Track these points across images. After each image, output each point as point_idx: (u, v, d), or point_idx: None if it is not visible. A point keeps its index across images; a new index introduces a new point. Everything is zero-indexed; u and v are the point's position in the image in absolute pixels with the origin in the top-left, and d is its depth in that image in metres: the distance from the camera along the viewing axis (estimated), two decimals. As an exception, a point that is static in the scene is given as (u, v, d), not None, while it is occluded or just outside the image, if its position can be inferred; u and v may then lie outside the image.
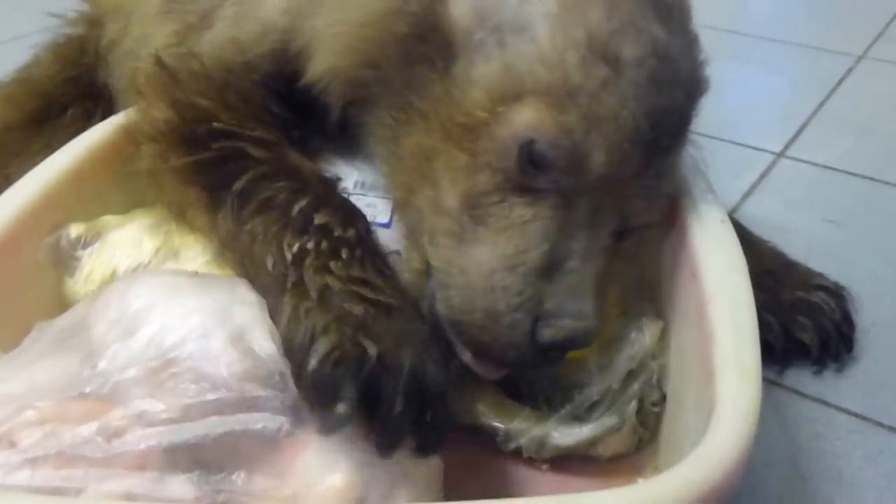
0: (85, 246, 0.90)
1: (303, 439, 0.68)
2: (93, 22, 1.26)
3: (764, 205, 1.37)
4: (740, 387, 0.68)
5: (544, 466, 0.84)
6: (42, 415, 0.65)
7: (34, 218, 0.88)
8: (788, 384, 1.01)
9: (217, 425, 0.65)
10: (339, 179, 0.85)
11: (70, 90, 1.22)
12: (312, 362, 0.66)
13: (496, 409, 0.82)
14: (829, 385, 1.02)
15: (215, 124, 0.84)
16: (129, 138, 0.93)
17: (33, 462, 0.63)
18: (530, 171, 0.74)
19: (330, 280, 0.72)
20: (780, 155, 1.53)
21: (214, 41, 0.92)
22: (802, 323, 1.02)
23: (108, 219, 0.93)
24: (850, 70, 1.87)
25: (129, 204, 0.96)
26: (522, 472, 0.84)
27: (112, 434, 0.64)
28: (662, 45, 0.76)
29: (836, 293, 1.06)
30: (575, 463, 0.84)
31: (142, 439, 0.64)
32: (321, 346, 0.67)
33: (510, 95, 0.74)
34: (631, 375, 0.83)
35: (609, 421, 0.82)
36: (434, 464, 0.72)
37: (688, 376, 0.79)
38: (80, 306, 0.77)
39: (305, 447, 0.68)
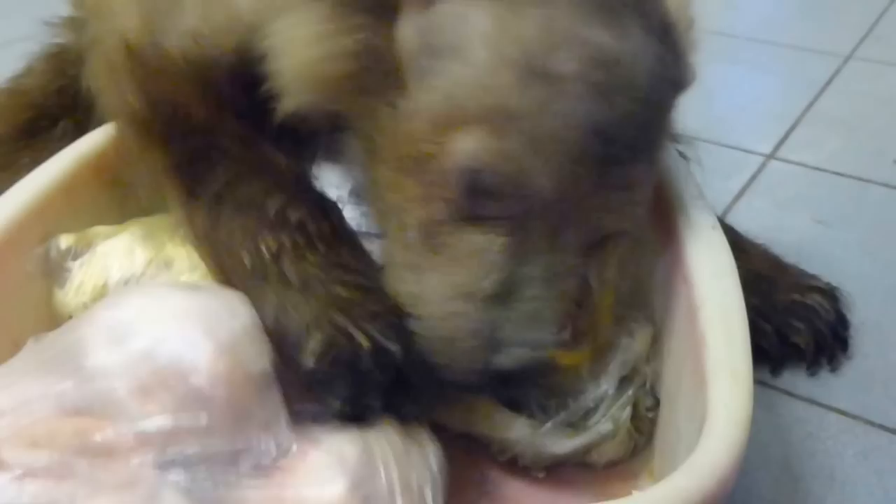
0: (75, 257, 0.89)
1: (301, 449, 0.68)
2: (77, 24, 1.24)
3: (754, 206, 1.38)
4: (733, 393, 0.69)
5: (540, 474, 0.84)
6: (32, 430, 0.65)
7: (23, 229, 0.88)
8: (780, 385, 1.02)
9: (210, 445, 0.65)
10: (313, 174, 0.85)
11: (61, 101, 1.21)
12: (308, 362, 0.68)
13: (491, 419, 0.82)
14: (820, 385, 1.02)
15: (191, 118, 0.84)
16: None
17: (22, 478, 0.62)
18: (477, 199, 0.72)
19: (309, 268, 0.74)
20: (770, 156, 1.53)
21: (183, 31, 0.89)
22: (797, 327, 1.02)
23: (99, 229, 0.92)
24: (837, 70, 1.88)
25: (119, 214, 0.96)
26: (519, 481, 0.84)
27: (103, 450, 0.64)
28: (609, 53, 0.71)
29: (830, 294, 1.06)
30: (571, 470, 0.84)
31: (134, 455, 0.64)
32: (315, 344, 0.69)
33: (452, 124, 0.72)
34: (624, 381, 0.83)
35: (604, 428, 0.82)
36: (437, 473, 0.73)
37: (681, 381, 0.80)
38: (72, 322, 0.77)
39: (304, 457, 0.68)
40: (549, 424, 0.82)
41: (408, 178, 0.75)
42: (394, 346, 0.71)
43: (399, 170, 0.76)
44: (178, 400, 0.66)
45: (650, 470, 0.85)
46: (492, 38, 0.71)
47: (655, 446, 0.86)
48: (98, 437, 0.65)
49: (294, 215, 0.77)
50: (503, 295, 0.74)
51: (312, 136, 0.89)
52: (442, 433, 0.78)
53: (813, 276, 1.09)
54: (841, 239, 1.29)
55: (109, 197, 0.98)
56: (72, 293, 0.88)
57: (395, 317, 0.73)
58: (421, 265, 0.76)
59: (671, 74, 0.77)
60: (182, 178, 0.82)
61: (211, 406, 0.67)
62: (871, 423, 0.97)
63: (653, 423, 0.86)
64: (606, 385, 0.83)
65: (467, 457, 0.83)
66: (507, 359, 0.73)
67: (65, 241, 0.89)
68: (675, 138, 1.09)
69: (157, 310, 0.73)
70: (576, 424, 0.82)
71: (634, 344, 0.84)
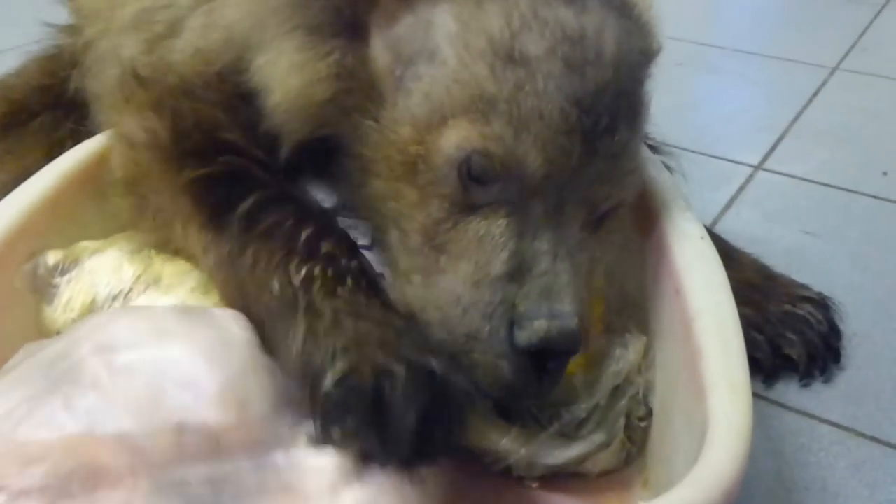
0: (63, 273, 0.89)
1: (307, 464, 0.68)
2: (74, 31, 1.25)
3: (742, 217, 1.38)
4: (733, 404, 0.69)
5: (534, 485, 0.83)
6: (26, 450, 0.64)
7: (9, 245, 0.87)
8: (772, 397, 1.02)
9: (212, 466, 0.65)
10: (335, 210, 0.85)
11: (42, 98, 1.22)
12: (327, 383, 0.66)
13: (484, 430, 0.82)
14: (812, 397, 1.02)
15: (220, 135, 0.84)
16: (110, 147, 0.92)
17: (17, 497, 0.61)
18: (473, 187, 0.74)
19: (338, 302, 0.73)
20: (758, 167, 1.54)
21: (184, 52, 0.91)
22: (790, 339, 1.03)
23: (86, 244, 0.92)
24: (824, 82, 1.89)
25: (106, 229, 0.95)
26: (513, 491, 0.83)
27: (97, 471, 0.63)
28: (573, 29, 0.75)
29: (822, 304, 1.07)
30: (565, 480, 0.84)
31: (129, 478, 0.63)
32: (339, 366, 0.67)
33: (434, 123, 0.75)
34: (617, 391, 0.83)
35: (598, 438, 0.81)
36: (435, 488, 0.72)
37: (676, 392, 0.79)
38: (64, 341, 0.75)
39: (309, 472, 0.67)
40: (542, 435, 0.82)
41: (403, 185, 0.77)
42: (424, 392, 0.67)
43: (393, 179, 0.77)
44: (176, 422, 0.66)
45: (644, 479, 0.85)
46: (458, 36, 0.75)
47: (650, 456, 0.85)
48: (92, 459, 0.64)
49: (325, 246, 0.77)
50: (514, 274, 0.74)
51: (308, 160, 0.88)
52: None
53: (804, 286, 1.09)
54: (830, 250, 1.29)
55: (96, 211, 0.97)
56: (60, 309, 0.87)
57: (426, 360, 0.69)
58: (428, 268, 0.77)
59: (638, 44, 0.81)
60: (207, 200, 0.81)
61: (211, 427, 0.66)
62: (863, 436, 0.97)
63: (646, 432, 0.86)
64: (599, 395, 0.83)
65: (461, 468, 0.82)
66: (530, 334, 0.73)
67: (52, 257, 0.89)
68: (660, 149, 1.09)
69: (155, 334, 0.72)
70: (569, 434, 0.82)
71: (627, 354, 0.84)
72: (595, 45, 0.76)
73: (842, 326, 1.07)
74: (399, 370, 0.66)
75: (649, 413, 0.85)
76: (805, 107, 1.78)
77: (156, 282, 0.87)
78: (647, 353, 0.86)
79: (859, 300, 1.15)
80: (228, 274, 0.79)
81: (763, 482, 0.90)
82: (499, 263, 0.75)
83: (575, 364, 0.84)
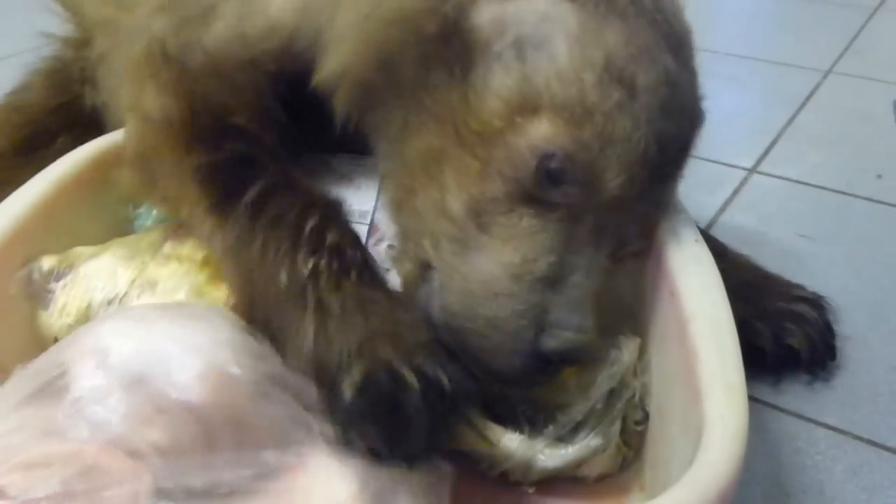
0: (58, 278, 0.89)
1: (307, 453, 0.68)
2: (79, 44, 1.24)
3: (737, 221, 1.38)
4: (729, 406, 0.69)
5: (531, 489, 0.83)
6: (27, 457, 0.64)
7: (4, 252, 0.87)
8: (769, 400, 1.01)
9: (207, 470, 0.65)
10: (341, 202, 0.85)
11: (60, 118, 1.22)
12: (346, 391, 0.67)
13: (480, 435, 0.82)
14: (809, 400, 1.02)
15: (233, 121, 0.85)
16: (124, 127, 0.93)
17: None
18: (545, 184, 0.75)
19: (347, 299, 0.73)
20: (752, 171, 1.54)
21: (219, 35, 0.91)
22: (790, 329, 1.03)
23: (81, 250, 0.92)
24: (818, 85, 1.89)
25: (101, 234, 0.95)
26: (509, 496, 0.83)
27: (100, 475, 0.63)
28: (673, 75, 0.78)
29: (816, 303, 1.06)
30: (561, 484, 0.83)
31: (130, 480, 0.64)
32: (356, 375, 0.68)
33: (527, 108, 0.76)
34: (613, 394, 0.83)
35: (594, 442, 0.81)
36: (443, 475, 0.72)
37: (672, 395, 0.80)
38: (57, 347, 0.75)
39: (309, 461, 0.68)
40: (538, 439, 0.82)
41: (466, 153, 0.77)
42: (443, 379, 0.68)
43: (457, 144, 0.78)
44: (173, 420, 0.66)
45: (641, 483, 0.85)
46: (577, 39, 0.76)
47: (646, 459, 0.85)
48: (93, 463, 0.64)
49: (330, 237, 0.77)
50: (552, 279, 0.75)
51: (325, 120, 0.88)
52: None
53: (799, 286, 1.09)
54: (825, 253, 1.29)
55: (91, 216, 0.97)
56: (56, 315, 0.87)
57: (436, 349, 0.72)
58: (467, 241, 0.77)
59: (701, 109, 0.85)
60: (215, 185, 0.82)
61: (207, 422, 0.67)
62: (860, 439, 0.97)
63: (642, 436, 0.86)
64: (595, 399, 0.82)
65: (457, 472, 0.82)
66: (554, 341, 0.74)
67: (47, 262, 0.89)
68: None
69: (143, 332, 0.72)
70: (565, 439, 0.82)
71: (622, 357, 0.84)
72: (684, 98, 0.81)
73: (836, 327, 1.07)
74: (412, 379, 0.67)
75: (645, 416, 0.85)
76: (799, 110, 1.78)
77: (151, 286, 0.87)
78: (642, 355, 0.86)
79: (855, 303, 1.15)
80: (236, 261, 0.79)
81: (760, 486, 0.90)
82: (544, 265, 0.75)
83: (568, 367, 0.84)
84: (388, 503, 0.67)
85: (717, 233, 1.27)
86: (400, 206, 0.84)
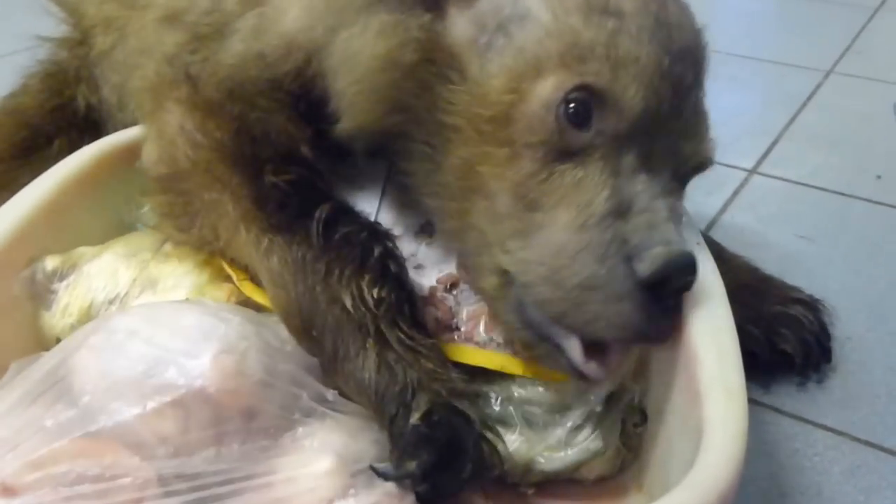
0: (61, 279, 0.89)
1: (288, 442, 0.70)
2: (76, 43, 1.25)
3: (737, 222, 1.38)
4: (728, 409, 0.70)
5: (530, 490, 0.83)
6: (35, 458, 0.65)
7: (8, 252, 0.87)
8: (767, 401, 1.02)
9: (214, 461, 0.67)
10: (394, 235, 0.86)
11: (56, 120, 1.22)
12: (414, 417, 0.70)
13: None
14: (806, 401, 1.03)
15: (283, 143, 0.85)
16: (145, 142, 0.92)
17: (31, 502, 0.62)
18: (570, 130, 0.74)
19: (402, 335, 0.75)
20: (752, 171, 1.54)
21: (237, 54, 0.91)
22: (784, 334, 1.03)
23: (83, 250, 0.92)
24: (818, 86, 1.90)
25: (105, 234, 0.96)
26: (508, 497, 0.83)
27: (108, 471, 0.64)
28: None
29: (813, 306, 1.07)
30: (560, 486, 0.84)
31: (139, 473, 0.65)
32: (423, 404, 0.71)
33: (530, 74, 0.75)
34: (612, 398, 0.83)
35: (593, 445, 0.82)
36: None
37: (671, 397, 0.80)
38: (62, 345, 0.76)
39: (300, 436, 0.71)
40: (538, 442, 0.82)
41: (491, 145, 0.77)
42: (478, 434, 0.73)
43: (481, 141, 0.77)
44: (183, 412, 0.68)
45: (639, 485, 0.85)
46: None
47: (645, 461, 0.85)
48: (101, 460, 0.65)
49: (394, 267, 0.79)
50: (616, 213, 0.74)
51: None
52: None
53: (795, 288, 1.09)
54: (824, 254, 1.29)
55: (93, 217, 0.98)
56: (58, 315, 0.88)
57: (469, 396, 0.76)
58: (524, 229, 0.76)
59: (700, 30, 0.84)
60: (269, 205, 0.82)
61: (215, 419, 0.68)
62: (858, 440, 0.97)
63: (641, 438, 0.86)
64: (594, 401, 0.83)
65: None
66: (651, 262, 0.71)
67: (50, 262, 0.89)
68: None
69: (148, 324, 0.73)
70: (565, 441, 0.82)
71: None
72: (677, 12, 0.80)
73: (832, 329, 1.07)
74: (470, 415, 0.72)
75: (645, 419, 0.85)
76: (799, 110, 1.78)
77: (152, 285, 0.88)
78: (643, 359, 0.86)
79: (853, 304, 1.16)
80: (297, 278, 0.79)
81: (758, 487, 0.90)
82: (602, 201, 0.74)
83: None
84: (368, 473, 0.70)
85: (716, 233, 1.28)
86: (460, 231, 0.82)
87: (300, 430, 0.71)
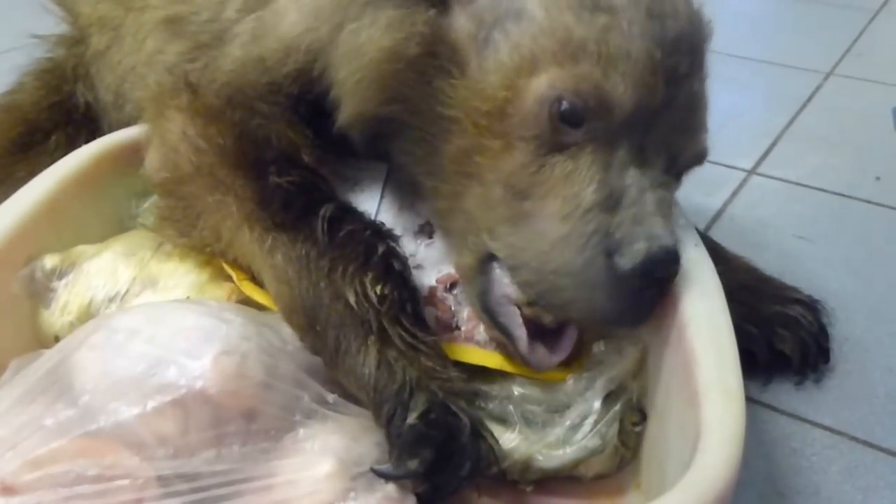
0: (60, 277, 0.89)
1: (288, 444, 0.70)
2: (73, 42, 1.25)
3: (736, 222, 1.39)
4: (726, 409, 0.70)
5: (529, 488, 0.84)
6: (35, 457, 0.65)
7: (8, 250, 0.87)
8: (765, 401, 1.02)
9: (214, 462, 0.67)
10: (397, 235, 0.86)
11: (53, 116, 1.22)
12: (412, 417, 0.71)
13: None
14: (804, 400, 1.03)
15: (283, 146, 0.86)
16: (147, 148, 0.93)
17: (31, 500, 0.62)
18: (562, 128, 0.76)
19: (404, 333, 0.76)
20: (752, 172, 1.54)
21: (236, 59, 0.92)
22: (782, 335, 1.03)
23: (83, 248, 0.92)
24: (818, 87, 1.90)
25: (104, 232, 0.96)
26: (507, 494, 0.84)
27: (107, 471, 0.64)
28: None
29: (812, 306, 1.07)
30: (559, 483, 0.84)
31: (138, 473, 0.65)
32: (420, 403, 0.72)
33: (525, 70, 0.77)
34: (611, 397, 0.83)
35: (592, 443, 0.82)
36: None
37: (670, 397, 0.80)
38: (62, 345, 0.76)
39: (300, 438, 0.71)
40: (537, 440, 0.82)
41: (486, 137, 0.79)
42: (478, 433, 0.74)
43: (477, 133, 0.79)
44: (183, 411, 0.68)
45: (637, 483, 0.85)
46: None
47: (643, 460, 0.86)
48: (101, 460, 0.65)
49: (397, 265, 0.79)
50: (603, 205, 0.76)
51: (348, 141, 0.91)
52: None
53: (794, 289, 1.09)
54: (823, 255, 1.30)
55: (92, 216, 0.98)
56: (57, 313, 0.88)
57: (466, 396, 0.77)
58: (514, 215, 0.78)
59: (701, 14, 0.85)
60: (273, 205, 0.82)
61: (215, 419, 0.68)
62: (856, 440, 0.97)
63: (639, 437, 0.86)
64: (593, 400, 0.83)
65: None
66: (631, 257, 0.74)
67: (50, 261, 0.89)
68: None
69: (149, 323, 0.73)
70: (563, 439, 0.82)
71: (622, 360, 0.84)
72: (672, 2, 0.81)
73: (831, 329, 1.07)
74: (464, 416, 0.72)
75: (643, 418, 0.85)
76: (799, 112, 1.78)
77: (152, 283, 0.88)
78: (642, 359, 0.86)
79: (852, 305, 1.16)
80: (300, 275, 0.80)
81: (755, 487, 0.90)
82: (588, 194, 0.76)
83: (569, 369, 0.85)
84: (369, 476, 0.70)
85: (716, 234, 1.28)
86: (449, 212, 0.85)
87: (301, 431, 0.71)
